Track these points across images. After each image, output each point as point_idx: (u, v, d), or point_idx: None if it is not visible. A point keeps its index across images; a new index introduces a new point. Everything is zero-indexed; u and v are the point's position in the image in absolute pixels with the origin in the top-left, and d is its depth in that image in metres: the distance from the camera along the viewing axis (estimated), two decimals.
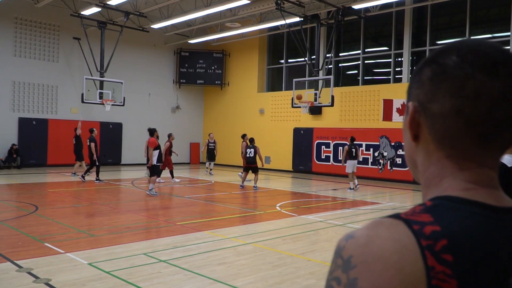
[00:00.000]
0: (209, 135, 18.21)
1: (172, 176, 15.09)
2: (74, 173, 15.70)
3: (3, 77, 18.37)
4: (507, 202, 0.70)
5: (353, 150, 13.79)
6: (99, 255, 5.96)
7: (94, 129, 14.72)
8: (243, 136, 15.73)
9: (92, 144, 13.99)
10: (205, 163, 19.05)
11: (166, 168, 14.79)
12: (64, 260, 5.68)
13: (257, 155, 13.64)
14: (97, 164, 14.21)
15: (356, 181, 14.05)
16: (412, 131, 0.74)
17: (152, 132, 12.08)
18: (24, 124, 18.74)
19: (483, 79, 0.68)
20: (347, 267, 0.64)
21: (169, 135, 15.11)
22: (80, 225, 8.11)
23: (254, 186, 13.83)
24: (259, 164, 13.92)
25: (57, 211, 9.33)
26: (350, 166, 13.75)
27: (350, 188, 13.98)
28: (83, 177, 14.30)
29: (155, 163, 11.62)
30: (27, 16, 18.81)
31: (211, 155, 17.87)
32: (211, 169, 18.02)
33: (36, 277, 4.94)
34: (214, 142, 17.87)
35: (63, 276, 5.04)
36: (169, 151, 14.76)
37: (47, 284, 4.75)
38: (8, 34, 18.45)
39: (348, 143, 14.19)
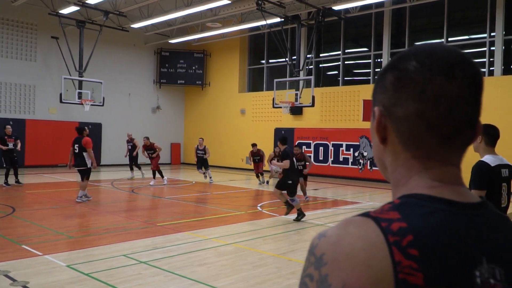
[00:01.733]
0: (199, 140, 16.16)
1: (154, 177, 14.81)
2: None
3: None
4: (471, 198, 0.74)
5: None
6: (78, 257, 5.89)
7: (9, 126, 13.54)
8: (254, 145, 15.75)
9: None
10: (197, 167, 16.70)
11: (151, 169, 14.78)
12: (42, 262, 5.60)
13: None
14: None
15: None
16: (380, 134, 0.77)
17: (81, 130, 10.72)
18: (1, 124, 18.33)
19: (441, 82, 0.71)
20: (319, 264, 0.66)
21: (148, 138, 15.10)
22: (59, 226, 7.99)
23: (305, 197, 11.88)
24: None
25: (35, 213, 9.17)
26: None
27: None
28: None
29: (89, 166, 10.43)
30: (3, 14, 18.42)
31: (201, 163, 15.68)
32: (210, 177, 15.76)
33: (14, 280, 4.86)
34: (204, 149, 15.63)
35: (41, 278, 4.96)
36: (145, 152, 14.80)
37: (24, 287, 4.68)
38: None
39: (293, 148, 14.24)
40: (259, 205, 10.92)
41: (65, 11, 17.30)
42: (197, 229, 7.91)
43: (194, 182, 15.99)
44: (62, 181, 15.37)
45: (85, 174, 10.51)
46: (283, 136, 9.31)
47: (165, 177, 14.83)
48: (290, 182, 8.66)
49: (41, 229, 7.65)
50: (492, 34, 15.18)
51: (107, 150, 21.36)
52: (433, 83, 0.71)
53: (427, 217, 0.67)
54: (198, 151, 15.72)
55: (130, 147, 16.14)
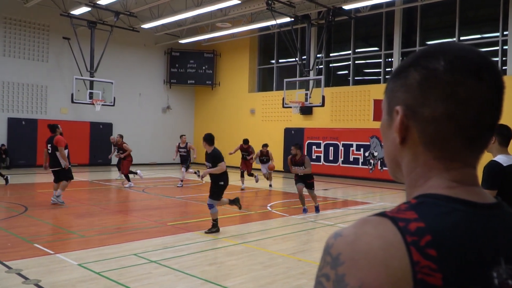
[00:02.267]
0: (181, 137, 14.86)
1: (129, 180, 13.88)
2: None
3: None
4: (487, 198, 0.74)
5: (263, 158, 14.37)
6: (89, 256, 5.93)
7: None
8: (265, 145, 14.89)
9: None
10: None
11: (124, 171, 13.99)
12: (54, 261, 5.65)
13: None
14: None
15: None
16: (401, 134, 0.76)
17: (53, 128, 10.09)
18: (14, 124, 18.57)
19: (472, 84, 0.71)
20: (336, 264, 0.66)
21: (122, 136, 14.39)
22: (70, 225, 8.06)
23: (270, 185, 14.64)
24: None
25: (46, 212, 9.26)
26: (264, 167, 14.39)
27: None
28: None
29: (63, 166, 9.84)
30: (16, 16, 18.64)
31: (184, 161, 14.54)
32: (196, 172, 14.87)
33: (26, 278, 4.91)
34: (186, 147, 14.52)
35: (52, 277, 5.01)
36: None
37: (36, 285, 4.72)
38: None
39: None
40: (268, 205, 10.91)
41: (77, 12, 17.45)
42: (207, 228, 7.92)
43: (204, 182, 16.01)
44: (73, 180, 15.47)
45: (61, 175, 9.83)
46: (208, 135, 7.77)
47: (131, 183, 13.78)
48: (221, 183, 7.57)
49: (52, 228, 7.72)
50: (505, 33, 14.99)
51: None
52: (464, 85, 0.71)
53: (445, 217, 0.67)
54: (180, 149, 14.52)
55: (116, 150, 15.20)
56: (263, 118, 21.62)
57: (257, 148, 15.27)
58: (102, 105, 18.34)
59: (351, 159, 18.02)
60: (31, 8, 18.14)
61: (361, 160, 17.73)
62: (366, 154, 17.55)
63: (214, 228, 7.53)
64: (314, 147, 19.29)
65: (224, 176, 7.60)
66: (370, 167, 17.46)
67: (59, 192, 9.91)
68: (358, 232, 0.67)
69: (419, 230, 0.65)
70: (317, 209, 9.75)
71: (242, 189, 13.74)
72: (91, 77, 18.57)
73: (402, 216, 0.67)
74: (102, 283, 4.88)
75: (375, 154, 17.29)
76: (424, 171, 0.75)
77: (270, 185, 14.73)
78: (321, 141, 19.00)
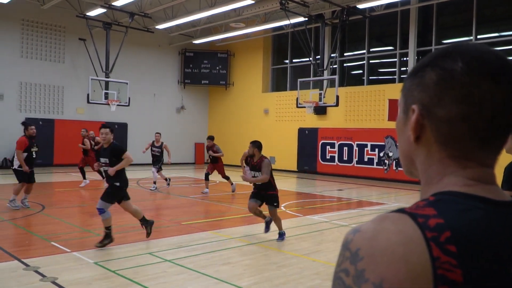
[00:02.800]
0: (155, 135, 13.47)
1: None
2: None
3: (11, 78, 18.52)
4: (505, 196, 0.74)
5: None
6: (105, 254, 6.00)
7: None
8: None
9: None
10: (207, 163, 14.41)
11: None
12: (70, 259, 5.73)
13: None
14: None
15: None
16: (415, 133, 0.77)
17: (25, 126, 9.25)
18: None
19: (488, 87, 0.71)
20: (355, 259, 0.66)
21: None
22: (86, 224, 8.16)
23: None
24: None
25: (63, 211, 9.39)
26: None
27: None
28: None
29: (16, 168, 9.18)
30: (33, 17, 18.93)
31: (156, 161, 13.00)
32: (166, 179, 13.17)
33: (43, 276, 4.98)
34: (161, 147, 12.97)
35: (69, 275, 5.07)
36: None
37: (53, 282, 4.79)
38: (15, 36, 18.59)
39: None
40: (283, 205, 10.90)
41: (92, 13, 17.66)
42: (221, 228, 7.95)
43: (217, 181, 16.07)
44: (89, 179, 15.66)
45: (18, 176, 9.19)
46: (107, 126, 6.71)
47: (87, 180, 13.21)
48: (117, 184, 6.38)
49: (69, 227, 7.82)
50: None
51: (132, 149, 21.60)
52: (481, 87, 0.71)
53: (464, 214, 0.68)
54: (153, 148, 13.00)
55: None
56: (277, 118, 21.60)
57: (272, 149, 15.14)
58: (117, 105, 18.52)
59: (366, 159, 17.90)
60: (48, 10, 18.40)
61: (375, 161, 17.60)
62: (381, 154, 17.41)
63: (107, 240, 6.25)
64: (328, 147, 19.21)
65: (120, 175, 6.41)
66: (385, 168, 17.32)
67: (12, 196, 9.18)
68: (377, 227, 0.67)
69: (439, 226, 0.65)
70: (280, 236, 6.95)
71: (203, 193, 12.24)
72: (106, 77, 18.78)
73: (421, 212, 0.68)
74: (118, 281, 4.93)
75: (390, 154, 17.14)
76: (439, 168, 0.76)
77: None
78: (335, 141, 18.91)
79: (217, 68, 23.86)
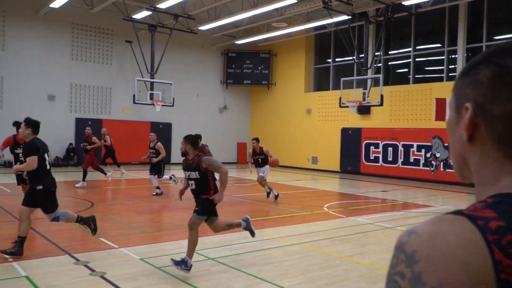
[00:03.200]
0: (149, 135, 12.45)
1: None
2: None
3: (62, 79, 19.36)
4: None
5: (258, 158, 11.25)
6: (150, 251, 6.14)
7: None
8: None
9: None
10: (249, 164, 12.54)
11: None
12: (117, 254, 5.89)
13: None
14: None
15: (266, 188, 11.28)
16: (469, 132, 0.74)
17: (18, 126, 7.84)
18: (81, 124, 19.61)
19: None
20: (411, 262, 0.64)
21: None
22: (132, 221, 8.38)
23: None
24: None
25: (111, 208, 9.70)
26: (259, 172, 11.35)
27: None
28: None
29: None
30: (83, 21, 19.69)
31: (153, 168, 11.78)
32: (171, 177, 12.28)
33: (92, 270, 5.15)
34: (154, 148, 11.79)
35: (117, 270, 5.22)
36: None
37: (102, 277, 4.94)
38: (66, 39, 19.42)
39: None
40: (325, 205, 10.77)
41: (138, 16, 18.15)
42: (263, 228, 7.95)
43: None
44: (135, 178, 16.12)
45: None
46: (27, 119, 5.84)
47: (84, 183, 12.72)
48: (40, 187, 5.67)
49: (116, 223, 8.06)
50: None
51: (177, 149, 22.08)
52: None
53: None
54: (149, 149, 11.94)
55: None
56: (320, 118, 21.40)
57: (314, 149, 15.01)
58: (162, 105, 18.95)
59: (412, 160, 17.41)
60: (96, 14, 19.08)
61: (422, 162, 17.08)
62: (428, 155, 16.88)
63: (15, 248, 5.49)
64: (372, 147, 18.83)
65: (41, 177, 5.70)
66: (432, 169, 16.77)
67: None
68: (434, 229, 0.65)
69: (500, 229, 0.62)
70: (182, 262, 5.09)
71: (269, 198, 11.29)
72: (151, 78, 19.25)
73: (480, 214, 0.65)
74: (162, 277, 5.03)
75: (437, 155, 16.58)
76: (495, 169, 0.73)
77: (269, 194, 11.24)
78: (380, 141, 18.51)
79: (259, 68, 23.93)
